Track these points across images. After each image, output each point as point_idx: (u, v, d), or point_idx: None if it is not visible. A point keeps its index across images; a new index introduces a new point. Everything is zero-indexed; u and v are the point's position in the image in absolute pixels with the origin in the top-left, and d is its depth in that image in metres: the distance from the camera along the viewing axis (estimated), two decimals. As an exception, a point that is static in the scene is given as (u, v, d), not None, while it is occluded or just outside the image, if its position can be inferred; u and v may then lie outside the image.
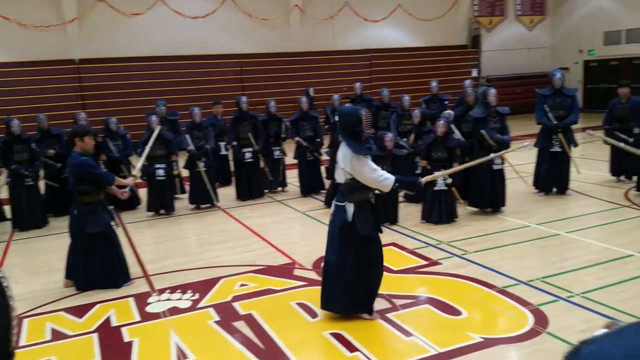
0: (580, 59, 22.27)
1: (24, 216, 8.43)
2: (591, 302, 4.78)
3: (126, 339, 4.62)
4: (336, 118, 10.58)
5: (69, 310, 5.28)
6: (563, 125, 8.39)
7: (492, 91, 7.79)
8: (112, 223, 5.86)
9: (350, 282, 4.55)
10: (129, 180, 6.25)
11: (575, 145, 8.67)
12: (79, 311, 5.23)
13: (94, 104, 15.98)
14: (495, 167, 7.67)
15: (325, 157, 9.66)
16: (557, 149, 8.46)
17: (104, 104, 15.69)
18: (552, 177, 8.64)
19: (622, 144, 6.68)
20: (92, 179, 5.65)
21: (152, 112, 9.58)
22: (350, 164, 4.40)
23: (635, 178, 8.92)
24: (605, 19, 20.93)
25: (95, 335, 4.69)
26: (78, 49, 16.50)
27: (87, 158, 5.64)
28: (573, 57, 22.34)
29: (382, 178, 4.44)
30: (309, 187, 9.68)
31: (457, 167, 6.68)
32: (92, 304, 5.36)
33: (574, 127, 8.64)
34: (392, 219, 7.56)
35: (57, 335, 4.75)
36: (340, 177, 4.58)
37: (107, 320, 4.99)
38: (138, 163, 7.02)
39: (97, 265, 5.72)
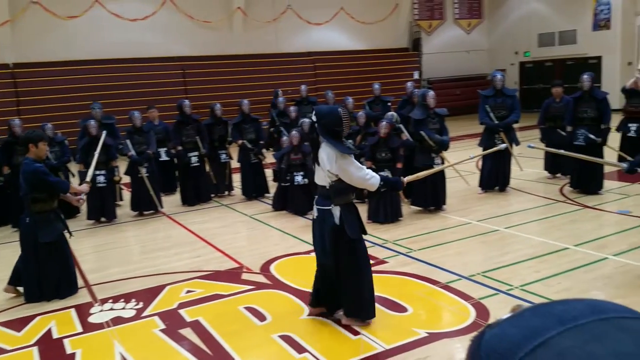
0: (516, 60, 23.12)
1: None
2: (529, 295, 4.96)
3: (68, 350, 4.48)
4: (277, 120, 10.56)
5: (6, 324, 5.08)
6: (504, 124, 8.70)
7: (431, 93, 7.99)
8: (65, 232, 5.71)
9: (353, 286, 4.47)
10: (84, 187, 6.11)
11: (517, 143, 9.02)
12: (18, 324, 5.03)
13: (30, 109, 15.37)
14: (435, 166, 7.81)
15: (271, 160, 9.66)
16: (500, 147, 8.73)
17: (40, 110, 15.10)
18: (494, 175, 8.93)
19: (561, 150, 6.96)
20: (46, 187, 5.48)
21: (88, 116, 9.31)
22: (336, 165, 4.29)
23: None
24: (539, 22, 21.81)
25: (35, 349, 4.52)
26: (11, 52, 15.87)
27: (41, 165, 5.50)
28: (509, 59, 23.16)
29: (368, 177, 4.39)
30: (253, 190, 9.64)
31: (440, 167, 7.01)
32: (32, 317, 5.17)
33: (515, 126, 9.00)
34: None
35: (-6, 351, 4.56)
36: (322, 180, 4.45)
37: (48, 333, 4.82)
38: (89, 169, 6.80)
39: (49, 275, 5.53)
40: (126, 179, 9.21)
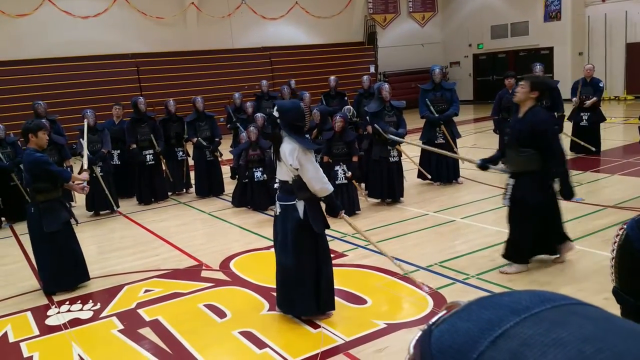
0: (470, 52, 23.52)
1: None
2: (486, 283, 5.08)
3: (25, 354, 4.41)
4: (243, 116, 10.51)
5: (-41, 329, 4.96)
6: (444, 117, 8.80)
7: (386, 86, 8.09)
8: (72, 220, 5.68)
9: (313, 283, 4.47)
10: (84, 175, 6.03)
11: (458, 136, 9.16)
12: (-29, 329, 4.92)
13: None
14: (391, 159, 7.95)
15: (227, 157, 9.61)
16: (440, 140, 8.87)
17: (-12, 110, 14.71)
18: (442, 168, 9.01)
19: (439, 150, 7.24)
20: (48, 176, 5.43)
21: (32, 116, 9.15)
22: (297, 160, 4.29)
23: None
24: (491, 14, 22.23)
25: (-10, 354, 4.44)
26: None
27: (42, 154, 5.48)
28: (463, 51, 23.56)
29: (325, 180, 4.40)
30: (208, 188, 9.59)
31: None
32: (-15, 321, 5.07)
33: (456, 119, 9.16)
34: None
35: (-54, 358, 4.46)
36: (285, 175, 4.44)
37: (5, 336, 4.75)
38: (83, 158, 6.69)
39: (56, 264, 5.50)
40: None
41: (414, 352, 0.61)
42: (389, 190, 8.06)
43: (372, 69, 21.58)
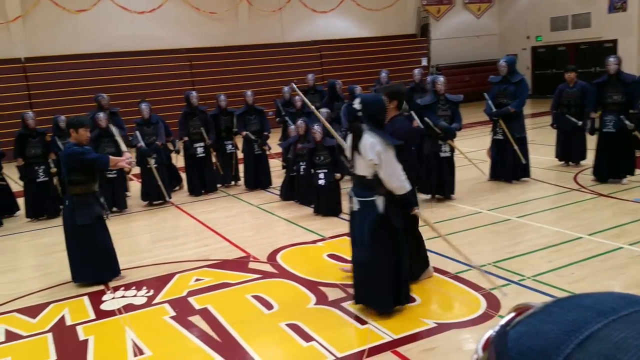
0: (528, 45, 22.70)
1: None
2: (542, 285, 4.87)
3: (81, 337, 4.58)
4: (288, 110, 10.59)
5: (22, 310, 5.20)
6: (498, 113, 8.43)
7: (440, 79, 7.84)
8: (104, 215, 5.79)
9: (393, 278, 4.42)
10: (125, 155, 5.98)
11: (519, 134, 8.60)
12: (33, 311, 5.15)
13: (41, 102, 15.50)
14: (442, 154, 7.74)
15: (275, 151, 9.71)
16: (499, 137, 8.58)
17: (51, 102, 15.23)
18: (500, 165, 8.71)
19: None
20: (84, 166, 5.54)
21: (95, 109, 9.46)
22: (377, 155, 4.21)
23: (583, 162, 9.25)
24: (551, 5, 21.35)
25: (49, 335, 4.64)
26: (23, 47, 16.04)
27: (78, 147, 5.55)
28: (521, 44, 22.76)
29: (403, 178, 4.30)
30: (256, 181, 9.68)
31: None
32: (46, 304, 5.29)
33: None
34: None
35: (11, 336, 4.68)
36: (364, 170, 4.33)
37: (62, 320, 4.93)
38: (120, 141, 6.76)
39: (86, 257, 5.63)
40: (136, 170, 9.34)
41: (487, 355, 0.58)
42: (438, 185, 7.87)
43: (424, 62, 21.19)
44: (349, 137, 4.47)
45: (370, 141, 4.24)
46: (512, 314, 0.60)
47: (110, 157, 5.98)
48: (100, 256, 5.69)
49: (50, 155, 8.79)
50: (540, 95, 20.98)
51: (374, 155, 4.21)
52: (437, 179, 7.85)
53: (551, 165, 9.79)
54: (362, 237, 4.39)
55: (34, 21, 16.11)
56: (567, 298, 0.58)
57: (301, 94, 6.17)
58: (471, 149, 8.87)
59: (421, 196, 8.03)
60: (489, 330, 0.60)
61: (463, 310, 4.57)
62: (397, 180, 4.27)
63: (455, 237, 6.34)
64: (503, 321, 0.60)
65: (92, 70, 16.34)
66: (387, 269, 4.40)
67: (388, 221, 4.32)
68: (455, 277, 5.19)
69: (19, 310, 5.22)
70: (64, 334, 4.67)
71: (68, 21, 16.43)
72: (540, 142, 11.05)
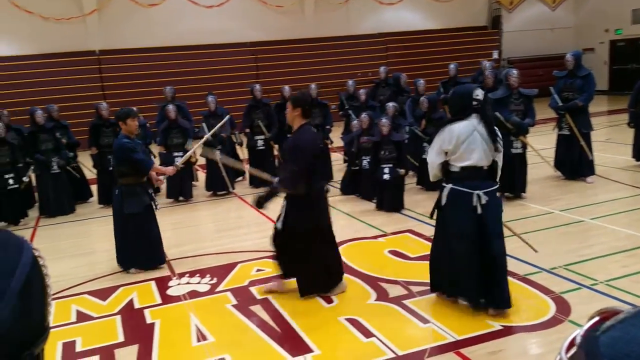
0: (607, 38, 21.55)
1: (50, 203, 8.60)
2: (616, 290, 4.65)
3: (148, 320, 4.74)
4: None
5: (93, 293, 5.42)
6: (566, 107, 8.15)
7: (514, 72, 7.58)
8: (153, 205, 5.96)
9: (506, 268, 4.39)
10: (169, 169, 6.14)
11: (588, 129, 8.33)
12: (103, 294, 5.36)
13: (114, 94, 16.12)
14: (514, 150, 7.47)
15: (337, 144, 9.69)
16: (565, 132, 8.29)
17: (124, 94, 15.83)
18: (567, 161, 8.42)
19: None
20: (129, 163, 5.74)
21: (163, 100, 9.73)
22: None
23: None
24: (633, -4, 20.29)
25: (118, 317, 4.82)
26: (98, 40, 16.75)
27: (129, 141, 5.74)
28: (598, 37, 21.63)
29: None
30: None
31: None
32: (116, 287, 5.51)
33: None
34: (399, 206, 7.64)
35: (82, 317, 4.89)
36: (484, 160, 4.28)
37: (130, 303, 5.12)
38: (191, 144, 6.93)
39: (132, 245, 5.84)
40: (202, 161, 9.56)
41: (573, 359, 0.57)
42: (508, 183, 7.52)
43: (495, 55, 20.57)
44: (481, 126, 4.28)
45: (489, 130, 4.28)
46: (597, 318, 0.59)
47: (155, 165, 6.08)
48: (145, 244, 5.87)
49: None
50: (618, 91, 19.97)
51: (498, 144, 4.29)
52: (508, 177, 7.58)
53: (627, 165, 9.33)
54: (495, 229, 4.31)
55: (109, 15, 16.76)
56: None
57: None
58: (544, 145, 8.55)
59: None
60: (573, 333, 0.59)
61: (531, 314, 4.40)
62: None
63: (525, 237, 6.10)
64: (588, 325, 0.59)
65: (161, 64, 16.82)
66: (504, 262, 4.39)
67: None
68: (524, 279, 5.01)
69: (91, 293, 5.44)
70: (132, 317, 4.84)
71: (140, 15, 16.99)
72: (617, 141, 10.58)
